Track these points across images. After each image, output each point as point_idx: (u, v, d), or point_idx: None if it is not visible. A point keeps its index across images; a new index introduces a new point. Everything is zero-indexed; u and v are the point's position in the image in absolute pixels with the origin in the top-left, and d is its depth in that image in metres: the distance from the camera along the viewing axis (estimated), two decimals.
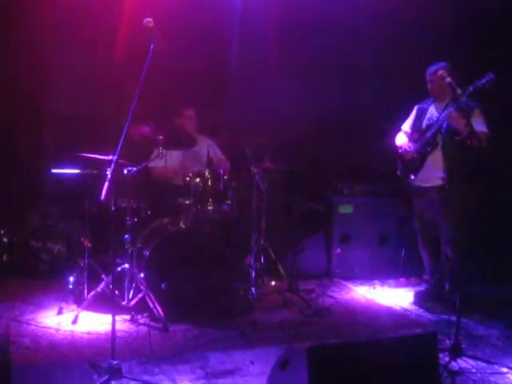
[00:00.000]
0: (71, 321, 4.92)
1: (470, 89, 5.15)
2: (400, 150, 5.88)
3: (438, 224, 5.74)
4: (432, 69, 5.57)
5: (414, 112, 5.99)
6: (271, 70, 6.86)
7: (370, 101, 6.79)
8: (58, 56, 6.31)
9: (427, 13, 6.57)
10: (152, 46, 3.98)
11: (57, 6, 6.17)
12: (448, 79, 4.84)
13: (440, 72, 5.10)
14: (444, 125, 5.48)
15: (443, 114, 5.44)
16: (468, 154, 5.21)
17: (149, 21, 4.05)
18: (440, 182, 5.58)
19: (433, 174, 5.62)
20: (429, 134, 5.60)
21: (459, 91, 4.82)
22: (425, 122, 5.75)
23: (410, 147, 5.76)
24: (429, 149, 5.62)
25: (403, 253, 6.78)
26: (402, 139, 5.99)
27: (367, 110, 6.81)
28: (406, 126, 6.05)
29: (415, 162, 5.74)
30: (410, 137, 5.91)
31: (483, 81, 5.07)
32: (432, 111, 5.74)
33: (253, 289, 5.62)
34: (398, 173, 5.98)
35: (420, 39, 6.59)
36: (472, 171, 5.47)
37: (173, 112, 6.35)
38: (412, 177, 5.76)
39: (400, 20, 6.62)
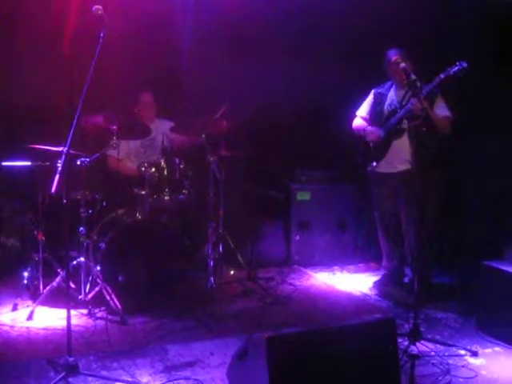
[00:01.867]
0: (26, 317, 4.83)
1: (442, 76, 5.09)
2: (367, 133, 5.78)
3: (399, 211, 5.74)
4: (388, 55, 5.56)
5: (371, 97, 5.95)
6: (227, 54, 6.77)
7: (328, 87, 6.75)
8: (3, 45, 6.12)
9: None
10: (102, 34, 3.89)
11: None
12: (402, 65, 4.81)
13: (394, 58, 5.09)
14: (410, 111, 5.40)
15: (410, 102, 5.37)
16: (432, 139, 5.24)
17: (98, 8, 3.97)
18: (407, 167, 5.50)
19: (398, 159, 5.58)
20: (393, 120, 5.56)
21: (413, 77, 4.80)
22: (386, 108, 5.72)
23: (376, 130, 5.70)
24: (394, 135, 5.58)
25: (360, 240, 6.87)
26: (361, 124, 5.95)
27: (324, 97, 6.79)
28: (363, 111, 6.00)
29: (378, 148, 5.71)
30: (369, 122, 5.88)
31: (455, 69, 5.00)
32: (392, 96, 5.73)
33: (211, 278, 5.56)
34: (358, 159, 5.95)
35: (379, 26, 6.57)
36: (435, 157, 5.48)
37: (129, 99, 6.24)
38: (374, 163, 5.73)
39: (363, 6, 6.59)
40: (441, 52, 6.04)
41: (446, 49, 6.07)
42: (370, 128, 5.78)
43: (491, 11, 6.15)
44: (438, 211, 5.72)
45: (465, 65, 4.97)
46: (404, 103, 5.53)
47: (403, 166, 5.56)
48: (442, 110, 5.43)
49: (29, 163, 5.22)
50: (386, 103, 5.74)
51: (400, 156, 5.56)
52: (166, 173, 5.45)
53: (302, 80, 6.72)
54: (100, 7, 3.96)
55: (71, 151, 3.91)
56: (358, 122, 5.99)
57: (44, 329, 4.66)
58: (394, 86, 5.76)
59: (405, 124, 5.53)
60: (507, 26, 6.08)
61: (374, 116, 5.84)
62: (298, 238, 6.80)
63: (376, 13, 6.50)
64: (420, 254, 5.56)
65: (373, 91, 5.93)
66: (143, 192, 5.39)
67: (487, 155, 6.10)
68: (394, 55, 5.31)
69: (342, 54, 6.75)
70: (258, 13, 6.56)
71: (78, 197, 5.07)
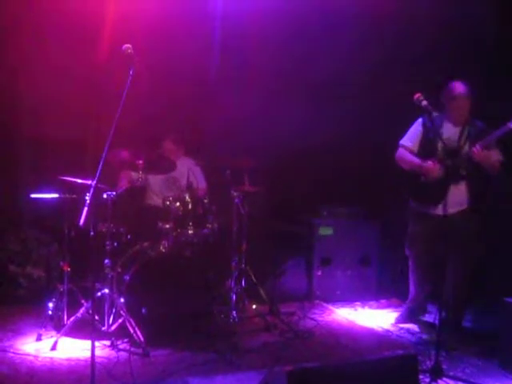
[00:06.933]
0: (50, 347, 4.87)
1: (510, 125, 4.96)
2: (424, 170, 5.42)
3: (441, 253, 5.26)
4: (453, 88, 5.37)
5: (419, 127, 5.58)
6: (252, 91, 6.90)
7: (351, 123, 6.82)
8: (35, 80, 6.29)
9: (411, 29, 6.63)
10: (131, 72, 4.01)
11: (33, 29, 6.19)
12: (424, 102, 4.76)
13: (417, 95, 4.78)
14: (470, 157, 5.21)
15: (475, 147, 5.14)
16: (487, 184, 5.22)
17: (128, 47, 4.08)
18: (464, 207, 5.40)
19: (453, 202, 5.19)
20: (456, 163, 5.29)
21: (435, 114, 4.81)
22: (441, 143, 5.31)
23: (436, 168, 5.34)
24: (453, 177, 5.29)
25: (382, 276, 6.85)
26: (411, 157, 5.58)
27: (348, 133, 6.86)
28: (410, 141, 5.63)
29: (434, 188, 5.35)
30: (415, 154, 5.57)
31: None
32: (448, 132, 5.43)
33: (234, 312, 5.60)
34: (411, 201, 5.65)
35: (406, 58, 6.64)
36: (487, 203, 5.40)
37: (153, 140, 6.38)
38: (432, 207, 5.38)
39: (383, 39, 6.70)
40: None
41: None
42: (428, 165, 5.39)
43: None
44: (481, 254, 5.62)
45: None
46: (462, 143, 5.37)
47: (456, 209, 5.37)
48: (497, 155, 5.29)
49: (56, 195, 5.32)
50: (441, 138, 5.31)
51: (455, 199, 5.25)
52: (190, 207, 5.54)
53: (325, 116, 6.80)
54: (129, 46, 4.07)
55: (99, 185, 4.01)
56: (407, 154, 5.62)
57: (67, 359, 4.69)
58: (445, 121, 5.48)
59: (464, 168, 5.35)
60: None
61: (424, 149, 5.52)
62: (320, 273, 6.80)
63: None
64: (460, 296, 5.55)
65: (420, 121, 5.58)
66: (167, 226, 5.47)
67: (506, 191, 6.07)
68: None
69: (364, 90, 6.83)
70: (282, 53, 6.70)
71: (104, 229, 5.15)
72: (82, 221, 3.73)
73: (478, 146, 5.16)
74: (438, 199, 5.28)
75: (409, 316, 5.92)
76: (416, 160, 5.52)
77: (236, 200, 5.78)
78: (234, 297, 5.70)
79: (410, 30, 6.57)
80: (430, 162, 5.38)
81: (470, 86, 5.35)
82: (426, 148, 5.50)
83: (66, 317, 5.22)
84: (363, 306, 6.64)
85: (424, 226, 5.58)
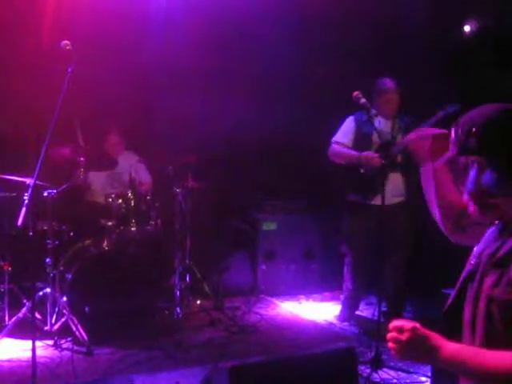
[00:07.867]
0: None
1: (441, 114, 4.99)
2: (363, 160, 5.43)
3: (388, 243, 5.35)
4: (382, 83, 5.58)
5: (352, 124, 5.66)
6: (194, 88, 6.88)
7: (292, 117, 6.88)
8: None
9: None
10: (70, 69, 3.97)
11: None
12: (363, 100, 4.87)
13: (355, 93, 4.87)
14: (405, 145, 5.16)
15: (409, 136, 5.24)
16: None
17: (66, 43, 4.05)
18: (401, 199, 5.56)
19: (394, 191, 5.44)
20: (393, 151, 5.37)
21: (374, 111, 4.93)
22: (375, 136, 5.39)
23: (376, 156, 5.34)
24: (390, 167, 5.36)
25: (326, 270, 6.93)
26: (347, 150, 5.61)
27: (288, 127, 6.91)
28: (343, 137, 5.66)
29: (374, 179, 5.33)
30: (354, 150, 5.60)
31: (454, 108, 4.93)
32: (381, 124, 5.44)
33: (178, 308, 5.61)
34: (350, 195, 5.71)
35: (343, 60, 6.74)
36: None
37: (97, 135, 6.29)
38: (372, 198, 5.40)
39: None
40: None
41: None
42: (367, 153, 5.44)
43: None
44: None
45: (458, 106, 4.96)
46: (395, 134, 5.53)
47: (397, 199, 5.54)
48: None
49: None
50: (375, 132, 5.35)
51: (393, 189, 5.42)
52: (132, 204, 5.50)
53: (268, 111, 6.84)
54: (68, 42, 4.04)
55: (38, 182, 3.97)
56: (342, 149, 5.65)
57: (8, 360, 4.64)
58: (378, 116, 5.47)
59: (399, 157, 5.51)
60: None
61: (359, 144, 5.59)
62: (264, 267, 6.86)
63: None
64: (399, 289, 5.70)
65: (352, 118, 5.67)
66: (110, 223, 5.43)
67: None
68: (389, 84, 5.37)
69: (307, 89, 6.91)
70: (224, 51, 6.71)
71: (45, 228, 5.10)
72: (19, 221, 3.69)
73: (413, 133, 5.23)
74: (377, 189, 5.25)
75: (349, 313, 5.94)
76: (353, 152, 5.56)
77: (179, 196, 5.78)
78: (179, 293, 5.70)
79: (342, 29, 6.66)
80: (368, 152, 5.44)
81: (396, 82, 5.57)
82: (361, 143, 5.57)
83: (7, 317, 5.14)
84: (307, 299, 6.73)
85: (364, 218, 5.58)
